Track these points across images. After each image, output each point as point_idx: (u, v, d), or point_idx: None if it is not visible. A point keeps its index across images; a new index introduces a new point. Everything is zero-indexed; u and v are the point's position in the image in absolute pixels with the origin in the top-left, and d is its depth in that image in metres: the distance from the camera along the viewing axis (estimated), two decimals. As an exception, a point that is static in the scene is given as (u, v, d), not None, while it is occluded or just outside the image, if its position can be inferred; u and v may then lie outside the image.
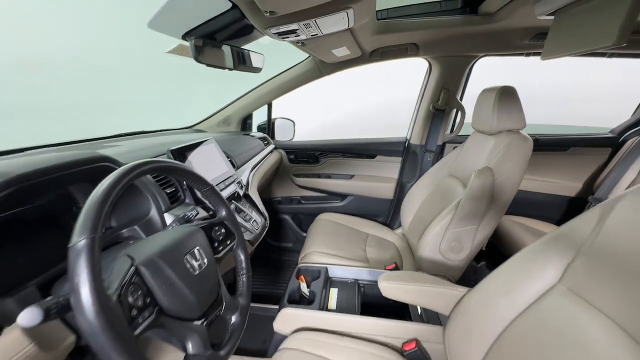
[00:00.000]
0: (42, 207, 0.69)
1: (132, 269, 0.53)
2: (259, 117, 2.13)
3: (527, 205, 1.93)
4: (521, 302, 0.76)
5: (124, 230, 0.78)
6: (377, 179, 2.01)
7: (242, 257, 0.81)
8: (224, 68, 1.00)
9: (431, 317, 1.09)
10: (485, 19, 1.26)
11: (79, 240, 0.44)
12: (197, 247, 0.66)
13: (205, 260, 0.66)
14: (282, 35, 0.95)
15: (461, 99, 1.82)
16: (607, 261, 0.64)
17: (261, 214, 1.27)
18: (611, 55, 1.60)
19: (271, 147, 1.93)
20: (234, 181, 1.22)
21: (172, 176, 0.91)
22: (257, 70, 1.21)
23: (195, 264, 0.63)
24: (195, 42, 0.85)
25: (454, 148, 1.82)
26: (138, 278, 0.53)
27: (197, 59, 0.87)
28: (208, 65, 0.92)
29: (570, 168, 1.87)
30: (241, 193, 1.22)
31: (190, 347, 0.57)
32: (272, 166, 1.81)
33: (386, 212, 2.05)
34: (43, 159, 0.64)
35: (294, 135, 2.14)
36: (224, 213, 0.80)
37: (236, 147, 1.51)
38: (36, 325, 0.44)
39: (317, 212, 1.94)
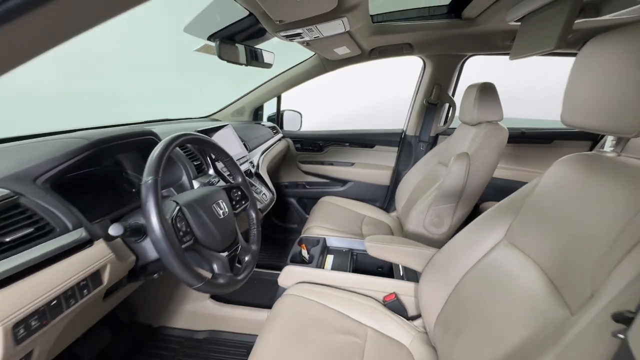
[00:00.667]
0: (104, 169, 0.92)
1: (177, 208, 0.74)
2: (269, 109, 2.34)
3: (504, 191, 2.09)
4: (475, 256, 0.95)
5: (163, 190, 1.00)
6: (375, 167, 2.20)
7: (254, 215, 1.03)
8: (240, 64, 1.21)
9: (411, 277, 1.29)
10: (468, 23, 1.44)
11: (147, 179, 0.65)
12: (221, 200, 0.87)
13: (227, 210, 0.87)
14: (289, 37, 1.15)
15: (453, 94, 1.99)
16: (535, 216, 0.83)
17: (269, 189, 1.48)
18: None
19: (279, 135, 2.14)
20: (246, 161, 1.43)
21: (203, 147, 1.12)
22: (268, 66, 1.41)
23: (220, 211, 0.85)
24: (219, 42, 1.05)
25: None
26: (181, 214, 0.74)
27: (220, 56, 1.08)
28: (228, 61, 1.13)
29: (554, 159, 2.02)
30: (253, 171, 1.43)
31: (216, 267, 0.78)
32: (279, 152, 2.02)
33: (383, 197, 2.24)
34: (108, 131, 0.86)
35: (301, 126, 2.34)
36: (239, 179, 1.02)
37: (249, 133, 1.73)
38: (119, 235, 0.66)
39: (320, 196, 2.14)
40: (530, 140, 2.01)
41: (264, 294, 1.55)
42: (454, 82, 1.95)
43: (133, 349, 1.30)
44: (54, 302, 0.57)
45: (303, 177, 2.33)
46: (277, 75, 2.04)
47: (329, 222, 1.72)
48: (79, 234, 0.65)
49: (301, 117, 2.37)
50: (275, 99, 2.23)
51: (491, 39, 1.55)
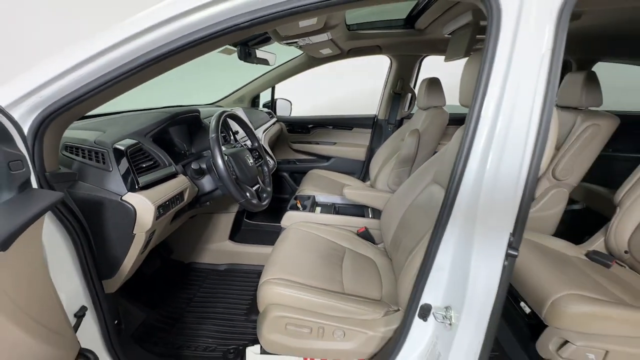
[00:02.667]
0: (166, 135, 1.35)
1: (227, 157, 1.19)
2: (264, 98, 2.77)
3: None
4: (414, 194, 1.45)
5: (203, 152, 1.44)
6: (353, 145, 2.69)
7: (267, 169, 1.49)
8: (252, 63, 1.64)
9: (376, 217, 1.79)
10: (420, 32, 1.92)
11: (212, 135, 1.10)
12: (248, 154, 1.33)
13: (252, 161, 1.33)
14: (289, 44, 1.60)
15: (414, 86, 2.50)
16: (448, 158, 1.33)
17: (272, 158, 1.94)
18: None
19: (274, 119, 2.58)
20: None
21: (236, 121, 1.54)
22: (269, 64, 1.84)
23: (249, 161, 1.30)
24: (240, 48, 1.48)
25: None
26: (230, 162, 1.19)
27: (239, 58, 1.51)
28: (246, 61, 1.57)
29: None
30: (258, 144, 1.89)
31: (249, 195, 1.24)
32: (275, 133, 2.47)
33: (360, 169, 2.74)
34: (171, 110, 1.28)
35: (291, 112, 2.79)
36: (256, 144, 1.47)
37: (253, 116, 2.16)
38: (195, 170, 1.11)
39: (308, 170, 2.61)
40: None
41: (268, 238, 2.02)
42: (414, 76, 2.45)
43: (172, 278, 1.74)
44: (168, 202, 1.02)
45: (294, 155, 2.79)
46: (272, 69, 2.47)
47: (317, 187, 2.20)
48: (172, 169, 1.09)
49: (291, 104, 2.81)
50: (270, 89, 2.66)
51: (437, 45, 2.05)
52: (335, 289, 1.20)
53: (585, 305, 1.03)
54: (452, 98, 1.88)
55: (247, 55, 1.54)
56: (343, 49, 2.17)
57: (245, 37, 1.15)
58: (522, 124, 0.71)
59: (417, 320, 0.87)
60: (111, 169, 0.91)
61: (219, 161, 1.08)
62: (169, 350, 1.28)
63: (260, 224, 2.15)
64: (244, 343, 1.33)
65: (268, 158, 1.90)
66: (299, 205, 1.88)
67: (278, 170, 2.81)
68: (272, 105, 2.71)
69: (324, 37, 1.58)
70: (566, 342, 1.04)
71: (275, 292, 1.14)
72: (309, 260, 1.34)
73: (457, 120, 2.51)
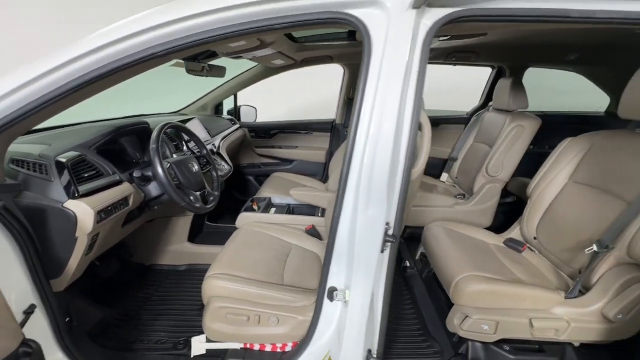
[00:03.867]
0: (115, 146, 1.45)
1: (168, 164, 1.31)
2: (228, 105, 2.88)
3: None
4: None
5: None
6: (314, 148, 2.84)
7: (215, 174, 1.61)
8: (201, 75, 1.76)
9: (324, 215, 1.93)
10: (361, 44, 2.08)
11: (153, 146, 1.22)
12: (193, 162, 1.45)
13: (197, 168, 1.45)
14: (233, 58, 1.73)
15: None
16: None
17: (227, 163, 2.06)
18: (456, 64, 2.49)
19: (237, 126, 2.70)
20: (210, 143, 2.00)
21: (180, 132, 1.66)
22: (221, 75, 1.96)
23: (193, 168, 1.42)
24: (186, 62, 1.60)
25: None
26: (171, 167, 1.31)
27: (187, 71, 1.63)
28: (193, 74, 1.68)
29: (442, 138, 2.77)
30: (215, 150, 2.01)
31: (192, 198, 1.36)
32: (237, 139, 2.58)
33: (321, 171, 2.89)
34: (117, 122, 1.39)
35: (256, 118, 2.91)
36: (204, 152, 1.59)
37: (211, 124, 2.28)
38: (139, 177, 1.23)
39: (272, 173, 2.74)
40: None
41: (226, 239, 2.14)
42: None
43: (132, 280, 1.83)
44: (110, 207, 1.13)
45: (258, 159, 2.92)
46: (232, 78, 2.60)
47: (276, 189, 2.33)
48: (116, 177, 1.21)
49: (256, 111, 2.93)
50: (232, 97, 2.78)
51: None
52: (274, 281, 1.33)
53: (481, 284, 1.20)
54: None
55: (195, 68, 1.66)
56: (295, 59, 2.31)
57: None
58: (389, 128, 0.86)
59: (326, 302, 1.01)
60: (53, 180, 1.02)
61: (159, 169, 1.20)
62: (122, 345, 1.38)
63: (221, 225, 2.26)
64: (194, 335, 1.45)
65: (223, 164, 2.03)
66: (254, 206, 2.01)
67: (243, 173, 2.93)
68: (235, 112, 2.83)
69: (267, 51, 1.72)
70: (466, 316, 1.21)
71: (216, 286, 1.26)
72: (253, 256, 1.46)
73: None
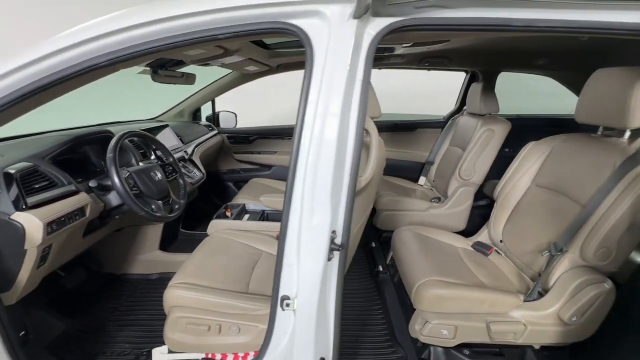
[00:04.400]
0: (76, 155, 1.44)
1: (127, 173, 1.30)
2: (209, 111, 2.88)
3: (396, 169, 2.84)
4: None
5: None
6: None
7: (182, 182, 1.60)
8: (168, 83, 1.75)
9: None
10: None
11: (110, 155, 1.21)
12: (157, 170, 1.44)
13: (161, 177, 1.44)
14: (201, 65, 1.73)
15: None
16: None
17: (200, 170, 2.05)
18: (430, 69, 2.52)
19: (214, 132, 2.69)
20: (181, 150, 1.99)
21: (143, 139, 1.65)
22: (191, 82, 1.96)
23: (155, 177, 1.41)
24: (152, 70, 1.60)
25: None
26: (131, 177, 1.30)
27: (153, 79, 1.62)
28: (160, 82, 1.68)
29: (419, 142, 2.80)
30: (186, 157, 2.00)
31: (154, 207, 1.35)
32: (214, 145, 2.57)
33: (300, 177, 2.89)
34: (77, 131, 1.38)
35: (236, 124, 2.90)
36: (171, 159, 1.58)
37: (185, 131, 2.27)
38: (94, 187, 1.21)
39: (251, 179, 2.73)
40: (401, 129, 2.77)
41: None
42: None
43: (100, 290, 1.80)
44: (63, 218, 1.11)
45: (238, 165, 2.91)
46: (209, 85, 2.59)
47: (252, 196, 2.32)
48: (72, 187, 1.19)
49: (236, 117, 2.93)
50: (210, 103, 2.77)
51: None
52: (238, 289, 1.32)
53: (439, 289, 1.20)
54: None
55: (160, 76, 1.65)
56: (270, 65, 2.32)
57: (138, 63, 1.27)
58: (332, 135, 0.86)
59: (279, 311, 1.00)
60: (0, 192, 1.00)
61: (115, 178, 1.19)
62: (83, 358, 1.36)
63: (196, 233, 2.25)
64: (159, 346, 1.43)
65: (195, 171, 2.02)
66: (227, 213, 1.99)
67: (223, 180, 2.92)
68: (213, 118, 2.82)
69: (235, 58, 1.72)
70: (427, 321, 1.21)
71: (176, 295, 1.25)
72: (219, 264, 1.45)
73: (385, 127, 2.74)
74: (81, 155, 1.44)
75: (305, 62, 0.88)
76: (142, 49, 0.88)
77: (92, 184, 1.20)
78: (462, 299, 1.19)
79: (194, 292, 1.24)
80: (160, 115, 2.66)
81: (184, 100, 2.66)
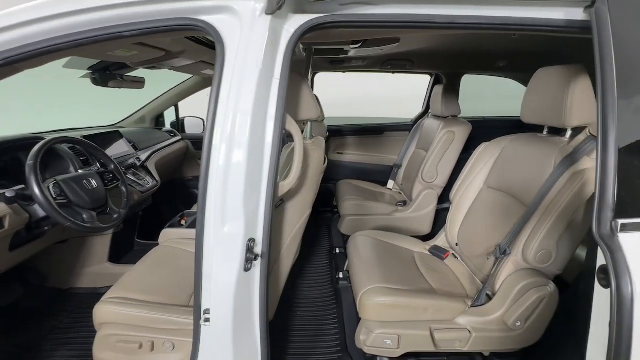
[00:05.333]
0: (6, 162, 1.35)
1: (53, 182, 1.22)
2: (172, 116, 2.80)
3: (366, 173, 2.82)
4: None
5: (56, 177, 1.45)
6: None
7: (124, 190, 1.52)
8: (112, 87, 1.68)
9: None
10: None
11: (29, 162, 1.13)
12: (91, 178, 1.36)
13: (96, 185, 1.36)
14: (147, 68, 1.67)
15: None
16: None
17: (153, 177, 1.97)
18: (394, 72, 2.51)
19: (177, 138, 2.61)
20: (133, 157, 1.91)
21: (84, 147, 1.57)
22: (139, 87, 1.89)
23: (90, 185, 1.33)
24: (92, 74, 1.53)
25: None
26: (57, 185, 1.22)
27: (93, 83, 1.55)
28: (103, 86, 1.60)
29: (387, 145, 2.78)
30: (138, 164, 1.92)
31: (85, 217, 1.27)
32: (176, 151, 2.49)
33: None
34: (8, 137, 1.30)
35: (204, 129, 2.83)
36: (112, 167, 1.51)
37: (142, 137, 2.19)
38: (15, 196, 1.13)
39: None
40: (368, 132, 2.74)
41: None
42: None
43: (43, 307, 1.69)
44: (-28, 231, 1.03)
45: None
46: (170, 90, 2.52)
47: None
48: (-13, 197, 1.11)
49: (204, 122, 2.85)
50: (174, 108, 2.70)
51: (315, 61, 2.22)
52: (177, 302, 1.25)
53: (382, 297, 1.15)
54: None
55: (102, 81, 1.58)
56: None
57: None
58: (244, 138, 0.81)
59: (202, 324, 0.94)
60: None
61: (34, 188, 1.11)
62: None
63: (153, 243, 2.15)
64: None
65: (147, 178, 1.93)
66: (183, 221, 1.91)
67: (188, 187, 2.83)
68: (177, 124, 2.74)
69: (183, 61, 1.66)
70: (370, 331, 1.16)
71: (106, 311, 1.17)
72: (161, 276, 1.38)
73: (330, 132, 2.70)
74: (8, 164, 1.35)
75: (216, 60, 0.83)
76: (39, 48, 0.81)
77: (9, 194, 1.12)
78: (404, 306, 1.14)
79: (125, 308, 1.16)
80: (121, 122, 2.57)
81: (145, 106, 2.58)
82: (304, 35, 0.89)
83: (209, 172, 0.83)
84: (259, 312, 0.91)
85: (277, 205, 1.13)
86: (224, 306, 0.83)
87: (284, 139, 1.46)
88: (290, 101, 1.28)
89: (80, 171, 1.51)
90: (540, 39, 1.72)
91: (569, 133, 1.19)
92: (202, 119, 2.84)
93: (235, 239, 0.81)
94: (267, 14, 0.82)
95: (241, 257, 0.82)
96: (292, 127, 1.00)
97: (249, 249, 0.83)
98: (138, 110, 2.58)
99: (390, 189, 2.65)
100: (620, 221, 0.63)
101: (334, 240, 2.26)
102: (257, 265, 0.87)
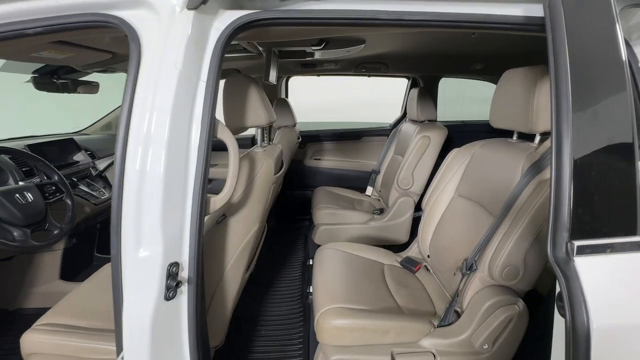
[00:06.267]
0: None
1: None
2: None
3: (345, 179, 2.73)
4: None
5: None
6: (234, 166, 2.68)
7: (70, 203, 1.40)
8: (60, 92, 1.57)
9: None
10: (260, 56, 1.98)
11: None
12: (26, 192, 1.24)
13: (31, 197, 1.24)
14: (99, 72, 1.56)
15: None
16: None
17: (111, 188, 1.85)
18: (370, 76, 2.44)
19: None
20: (89, 167, 1.79)
21: (22, 156, 1.44)
22: (93, 92, 1.77)
23: (23, 199, 1.21)
24: (35, 77, 1.42)
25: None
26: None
27: (36, 87, 1.44)
28: (47, 91, 1.49)
29: (366, 151, 2.70)
30: (94, 174, 1.80)
31: (16, 235, 1.15)
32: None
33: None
34: None
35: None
36: (56, 178, 1.39)
37: (103, 145, 2.07)
38: None
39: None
40: (346, 138, 2.66)
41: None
42: (281, 96, 2.52)
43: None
44: None
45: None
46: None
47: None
48: None
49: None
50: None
51: (290, 66, 2.14)
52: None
53: (340, 319, 1.05)
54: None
55: (46, 85, 1.47)
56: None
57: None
58: (160, 150, 0.71)
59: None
60: None
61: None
62: None
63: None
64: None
65: (105, 189, 1.82)
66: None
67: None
68: (147, 130, 2.63)
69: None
70: (327, 357, 1.06)
71: (34, 341, 1.05)
72: (103, 297, 1.26)
73: (307, 137, 2.62)
74: None
75: (130, 60, 0.74)
76: None
77: None
78: (363, 329, 1.04)
79: (55, 336, 1.05)
80: (86, 129, 2.45)
81: (112, 111, 2.46)
82: (236, 33, 0.80)
83: (124, 187, 0.73)
84: (188, 343, 0.80)
85: (219, 221, 1.03)
86: (137, 342, 0.73)
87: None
88: (235, 107, 1.19)
89: (21, 183, 1.40)
90: (512, 39, 1.67)
91: (537, 138, 1.12)
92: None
93: (152, 265, 0.71)
94: (189, 9, 0.73)
95: (160, 285, 0.71)
96: (225, 135, 0.90)
97: (171, 275, 0.73)
98: (104, 117, 2.46)
99: (369, 196, 2.56)
100: (577, 243, 0.55)
101: (309, 250, 2.16)
102: (184, 292, 0.77)
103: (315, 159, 2.72)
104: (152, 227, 0.71)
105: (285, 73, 2.34)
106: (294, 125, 2.10)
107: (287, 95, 2.55)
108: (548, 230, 0.57)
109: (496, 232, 1.03)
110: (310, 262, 2.04)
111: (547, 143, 1.03)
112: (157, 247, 0.71)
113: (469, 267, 1.07)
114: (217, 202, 0.89)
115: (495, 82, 2.50)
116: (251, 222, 1.10)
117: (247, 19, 0.78)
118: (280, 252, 2.30)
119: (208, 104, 0.77)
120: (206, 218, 0.89)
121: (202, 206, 0.77)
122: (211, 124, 0.78)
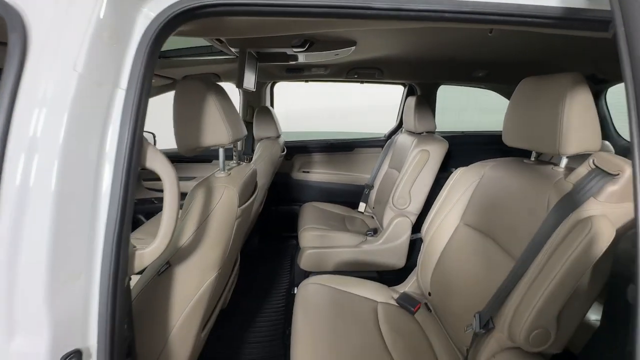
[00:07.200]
0: None
1: None
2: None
3: (336, 194, 2.51)
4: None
5: None
6: (214, 179, 2.44)
7: None
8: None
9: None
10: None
11: None
12: None
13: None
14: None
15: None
16: None
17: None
18: (363, 82, 2.24)
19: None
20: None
21: None
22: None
23: None
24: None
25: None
26: None
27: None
28: None
29: (358, 163, 2.49)
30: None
31: None
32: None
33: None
34: None
35: (155, 145, 2.48)
36: None
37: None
38: None
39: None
40: (337, 149, 2.45)
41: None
42: (266, 103, 2.30)
43: None
44: None
45: (149, 194, 2.46)
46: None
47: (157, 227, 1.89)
48: None
49: (154, 137, 2.50)
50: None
51: (273, 70, 1.93)
52: None
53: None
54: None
55: None
56: (175, 77, 1.95)
57: None
58: (48, 182, 0.49)
59: None
60: None
61: None
62: None
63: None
64: None
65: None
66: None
67: (134, 212, 2.46)
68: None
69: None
70: None
71: None
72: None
73: (294, 148, 2.40)
74: None
75: (8, 59, 0.51)
76: None
77: None
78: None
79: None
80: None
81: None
82: (175, 24, 0.58)
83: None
84: None
85: (160, 272, 0.80)
86: None
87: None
88: (187, 121, 0.97)
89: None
90: (526, 45, 1.48)
91: (564, 162, 0.91)
92: (153, 134, 2.49)
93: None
94: (101, -13, 0.51)
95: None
96: (157, 163, 0.68)
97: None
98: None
99: (362, 212, 2.35)
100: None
101: (294, 277, 1.93)
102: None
103: (304, 172, 2.50)
104: (32, 308, 0.48)
105: (269, 78, 2.14)
106: (278, 136, 1.89)
107: (272, 103, 2.34)
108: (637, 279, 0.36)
109: (519, 283, 0.81)
110: (295, 291, 1.81)
111: (580, 170, 0.82)
112: (42, 330, 0.48)
113: (484, 325, 0.85)
114: (145, 256, 0.65)
115: (500, 91, 2.34)
116: (206, 271, 0.87)
117: (191, 3, 0.56)
118: (263, 276, 2.06)
119: (129, 121, 0.54)
120: (134, 275, 0.66)
121: (120, 264, 0.54)
122: (134, 149, 0.55)
